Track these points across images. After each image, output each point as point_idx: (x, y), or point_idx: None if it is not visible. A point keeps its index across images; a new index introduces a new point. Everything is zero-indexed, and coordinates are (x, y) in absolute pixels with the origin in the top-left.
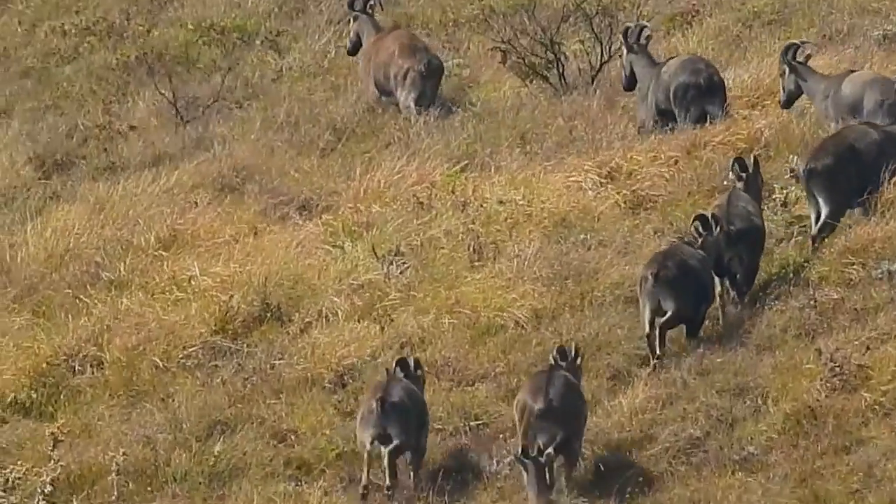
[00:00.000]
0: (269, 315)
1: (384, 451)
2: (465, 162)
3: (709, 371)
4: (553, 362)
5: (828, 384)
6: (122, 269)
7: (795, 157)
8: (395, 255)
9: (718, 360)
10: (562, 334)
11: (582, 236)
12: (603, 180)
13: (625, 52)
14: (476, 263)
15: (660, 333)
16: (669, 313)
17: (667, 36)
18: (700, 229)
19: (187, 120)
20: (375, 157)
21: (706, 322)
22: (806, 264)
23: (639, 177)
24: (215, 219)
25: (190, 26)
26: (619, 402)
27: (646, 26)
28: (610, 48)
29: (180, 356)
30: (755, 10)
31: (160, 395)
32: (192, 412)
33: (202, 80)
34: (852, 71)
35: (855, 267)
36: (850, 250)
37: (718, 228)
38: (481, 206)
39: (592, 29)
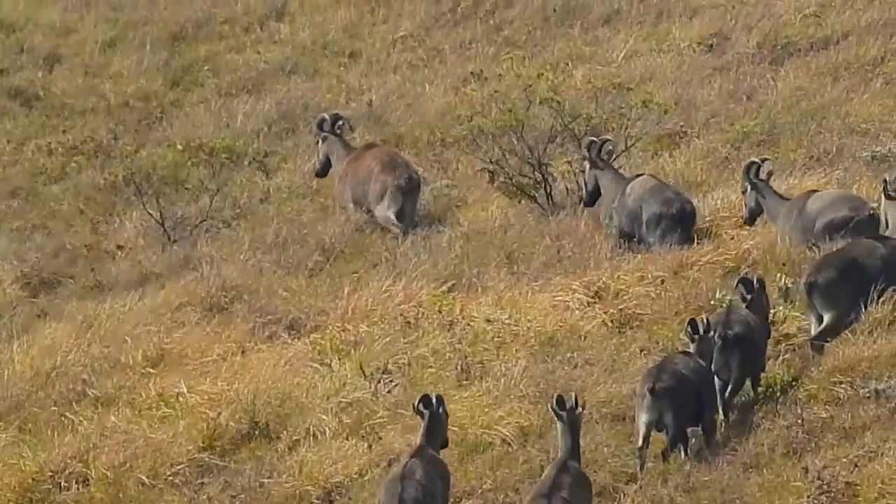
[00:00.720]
0: (257, 433)
1: None
2: (453, 282)
3: (695, 488)
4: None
5: (815, 502)
6: (109, 386)
7: (783, 277)
8: (383, 373)
9: (705, 477)
10: (548, 451)
11: (569, 355)
12: (590, 299)
13: (587, 167)
14: (463, 382)
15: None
16: (670, 425)
17: (654, 157)
18: (691, 333)
19: (175, 239)
20: (363, 276)
21: (691, 440)
22: (794, 383)
23: (626, 296)
24: (203, 337)
25: (178, 146)
26: None
27: (608, 140)
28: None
29: (167, 473)
30: (744, 130)
31: None
32: None
33: (190, 200)
34: (815, 190)
35: (843, 386)
36: (839, 369)
37: (712, 332)
38: (468, 325)
39: (580, 149)
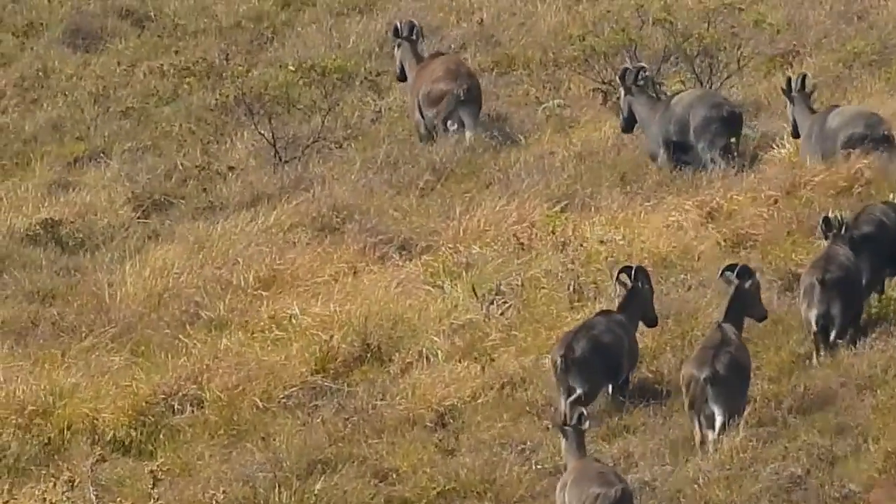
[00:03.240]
0: (369, 355)
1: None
2: (566, 202)
3: (809, 410)
4: None
5: None
6: (221, 308)
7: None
8: (496, 295)
9: (819, 399)
10: (663, 374)
11: (682, 276)
12: (703, 220)
13: (622, 93)
14: (576, 304)
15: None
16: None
17: (767, 76)
18: (825, 230)
19: (286, 160)
20: (475, 197)
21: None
22: None
23: (739, 216)
24: (315, 259)
25: (290, 67)
26: (720, 440)
27: (643, 66)
28: (710, 88)
29: (281, 396)
30: (855, 50)
31: (260, 434)
32: (292, 451)
33: (302, 120)
34: (836, 105)
35: None
36: None
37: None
38: (581, 245)
39: (693, 69)
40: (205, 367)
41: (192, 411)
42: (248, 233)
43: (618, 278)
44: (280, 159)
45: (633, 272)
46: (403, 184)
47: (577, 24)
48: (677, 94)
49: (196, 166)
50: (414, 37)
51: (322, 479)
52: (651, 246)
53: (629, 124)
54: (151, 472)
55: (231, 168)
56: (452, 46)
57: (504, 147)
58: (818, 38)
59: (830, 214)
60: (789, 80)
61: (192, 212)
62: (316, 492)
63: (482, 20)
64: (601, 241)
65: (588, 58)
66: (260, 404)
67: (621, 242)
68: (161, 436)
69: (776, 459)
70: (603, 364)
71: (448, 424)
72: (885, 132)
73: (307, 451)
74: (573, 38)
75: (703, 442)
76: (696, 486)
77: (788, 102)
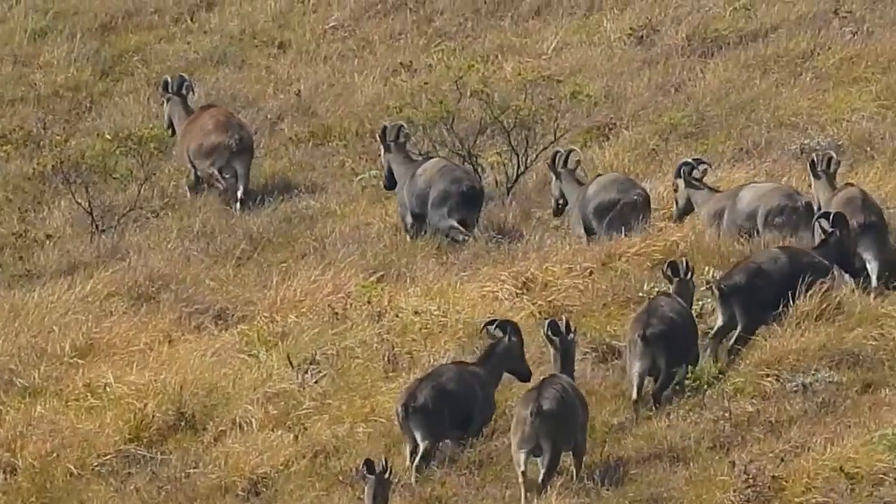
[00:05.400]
0: (183, 423)
1: None
2: (381, 272)
3: (622, 482)
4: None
5: (741, 495)
6: (36, 376)
7: (711, 269)
8: (311, 364)
9: (633, 471)
10: (475, 444)
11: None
12: (518, 290)
13: (383, 151)
14: (391, 373)
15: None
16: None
17: (584, 148)
18: (671, 274)
19: (103, 229)
20: (291, 266)
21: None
22: (721, 376)
23: (554, 287)
24: (131, 327)
25: (107, 136)
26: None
27: (402, 125)
28: (526, 160)
29: (94, 464)
30: (672, 122)
31: (74, 501)
32: None
33: (118, 189)
34: (746, 183)
35: (769, 379)
36: (765, 363)
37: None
38: (397, 316)
39: (510, 141)
40: (18, 433)
41: (6, 478)
42: (64, 301)
43: (486, 329)
44: (97, 228)
45: (500, 326)
46: (220, 253)
47: (395, 95)
48: (426, 161)
49: (13, 234)
50: (184, 91)
51: None
52: (466, 316)
53: (391, 182)
54: None
55: (48, 236)
56: (269, 117)
57: (320, 217)
58: (636, 109)
59: (677, 259)
60: (555, 155)
61: (8, 279)
62: None
63: (299, 91)
64: (416, 312)
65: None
66: (74, 471)
67: (436, 313)
68: None
69: None
70: (448, 414)
71: (261, 493)
72: (638, 195)
73: None
74: (390, 109)
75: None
76: None
77: (554, 178)
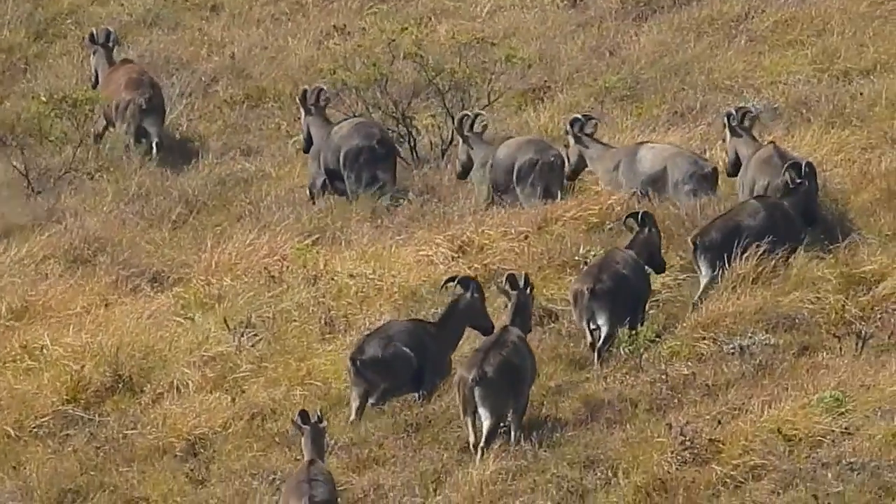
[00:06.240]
0: (120, 385)
1: None
2: (317, 236)
3: (560, 444)
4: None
5: (678, 457)
6: None
7: None
8: (247, 327)
9: (570, 433)
10: (411, 405)
11: (433, 310)
12: (454, 254)
13: (303, 114)
14: (327, 336)
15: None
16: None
17: (518, 111)
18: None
19: (38, 191)
20: (227, 229)
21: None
22: (657, 339)
23: (490, 251)
24: (67, 290)
25: (42, 98)
26: (469, 474)
27: (322, 88)
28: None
29: (32, 425)
30: (607, 85)
31: (11, 463)
32: (43, 480)
33: (54, 151)
34: (644, 142)
35: (706, 342)
36: (702, 325)
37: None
38: (332, 279)
39: (444, 104)
40: None
41: None
42: (0, 263)
43: (445, 285)
44: (32, 190)
45: (462, 282)
46: (155, 216)
47: (328, 58)
48: (342, 121)
49: None
50: (110, 44)
51: None
52: (402, 279)
53: (309, 145)
54: None
55: None
56: (203, 79)
57: (255, 180)
58: (570, 72)
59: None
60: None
61: None
62: None
63: (233, 54)
64: (351, 275)
65: (339, 91)
66: (11, 433)
67: (371, 276)
68: None
69: (526, 492)
70: (398, 367)
71: (199, 454)
72: (555, 156)
73: (58, 480)
74: (324, 71)
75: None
76: None
77: (461, 141)
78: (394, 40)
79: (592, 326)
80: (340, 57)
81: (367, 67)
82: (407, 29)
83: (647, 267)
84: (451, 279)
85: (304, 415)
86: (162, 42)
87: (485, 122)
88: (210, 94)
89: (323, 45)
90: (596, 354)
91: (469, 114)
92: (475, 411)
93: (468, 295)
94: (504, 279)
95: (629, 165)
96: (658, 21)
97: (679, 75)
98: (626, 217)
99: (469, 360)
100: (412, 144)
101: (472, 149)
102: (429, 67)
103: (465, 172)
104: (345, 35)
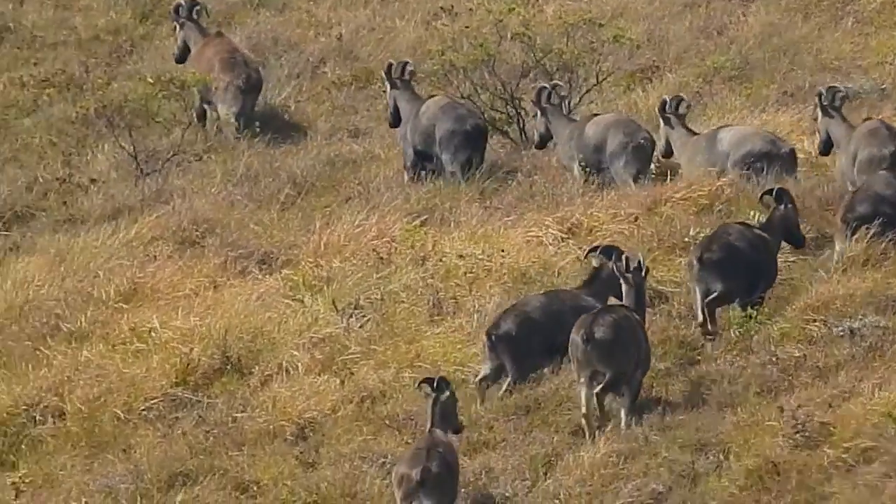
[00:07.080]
0: (229, 367)
1: None
2: (425, 216)
3: (671, 427)
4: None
5: (790, 440)
6: (82, 320)
7: (755, 213)
8: (355, 309)
9: (680, 416)
10: (522, 389)
11: (542, 291)
12: (563, 235)
13: (388, 88)
14: (436, 318)
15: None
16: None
17: (627, 92)
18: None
19: (147, 173)
20: (335, 211)
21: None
22: (768, 321)
23: (599, 233)
24: (175, 272)
25: (149, 80)
26: (580, 457)
27: (407, 62)
28: (569, 103)
29: (141, 408)
30: (715, 66)
31: (121, 445)
32: (153, 463)
33: (162, 133)
34: (596, 114)
35: (816, 324)
36: (812, 307)
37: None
38: (441, 260)
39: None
40: (66, 378)
41: (54, 422)
42: (109, 245)
43: (588, 255)
44: (141, 172)
45: (604, 251)
46: (264, 197)
47: (436, 39)
48: (429, 99)
49: (57, 178)
50: (195, 16)
51: (183, 491)
52: (511, 261)
53: (396, 120)
54: (13, 483)
55: (92, 180)
56: (311, 61)
57: (364, 162)
58: (678, 53)
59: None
60: (540, 90)
61: (53, 224)
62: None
63: (341, 35)
64: (460, 256)
65: (447, 73)
66: (121, 416)
67: (481, 257)
68: (23, 447)
69: (637, 476)
70: (536, 342)
71: (308, 437)
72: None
73: (168, 463)
74: (432, 52)
75: None
76: (556, 501)
77: (539, 113)
78: (501, 21)
79: (707, 297)
80: (448, 38)
81: (474, 48)
82: (514, 9)
83: (785, 242)
84: (594, 249)
85: (431, 382)
86: (269, 23)
87: (564, 94)
88: (318, 76)
89: (430, 25)
90: (699, 311)
91: (547, 86)
92: (592, 373)
93: (611, 265)
94: (623, 259)
95: (710, 148)
96: (766, 2)
97: (787, 56)
98: (762, 194)
99: (579, 322)
100: (521, 125)
101: (551, 122)
102: (536, 48)
103: (542, 143)
104: (452, 16)
